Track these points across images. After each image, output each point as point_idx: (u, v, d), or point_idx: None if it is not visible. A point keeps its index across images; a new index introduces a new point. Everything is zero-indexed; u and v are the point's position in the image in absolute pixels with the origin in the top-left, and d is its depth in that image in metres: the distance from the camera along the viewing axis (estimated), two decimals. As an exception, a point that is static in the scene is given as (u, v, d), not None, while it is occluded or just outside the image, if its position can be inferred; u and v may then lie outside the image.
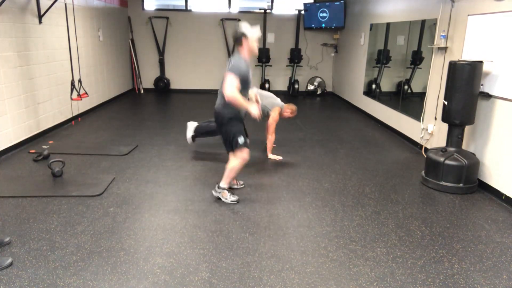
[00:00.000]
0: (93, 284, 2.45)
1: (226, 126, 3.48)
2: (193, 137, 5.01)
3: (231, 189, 3.75)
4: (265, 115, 4.86)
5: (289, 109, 4.96)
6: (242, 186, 3.99)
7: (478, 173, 4.11)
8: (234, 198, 3.65)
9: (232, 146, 3.51)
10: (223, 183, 3.64)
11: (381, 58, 7.14)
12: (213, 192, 3.70)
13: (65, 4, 5.91)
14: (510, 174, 3.73)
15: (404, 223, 3.35)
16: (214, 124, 3.75)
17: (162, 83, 9.90)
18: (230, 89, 3.24)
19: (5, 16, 4.68)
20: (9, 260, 2.63)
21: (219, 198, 3.65)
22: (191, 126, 5.03)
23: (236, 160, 3.53)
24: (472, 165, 3.96)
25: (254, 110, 3.33)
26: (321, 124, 7.04)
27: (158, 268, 2.63)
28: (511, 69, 3.72)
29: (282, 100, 5.07)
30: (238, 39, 3.38)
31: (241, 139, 3.46)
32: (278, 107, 4.89)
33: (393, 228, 3.26)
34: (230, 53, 9.81)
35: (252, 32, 3.38)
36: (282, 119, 4.95)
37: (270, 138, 4.86)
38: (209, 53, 9.94)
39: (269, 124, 4.85)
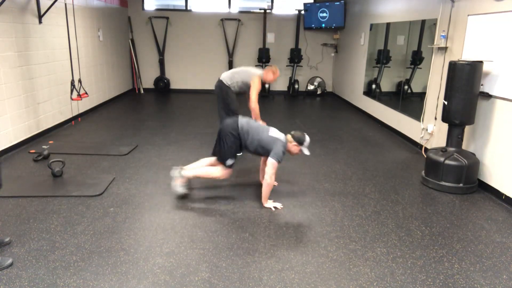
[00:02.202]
0: (93, 284, 2.45)
1: (225, 144, 3.55)
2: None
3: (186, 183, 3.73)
4: (243, 92, 4.73)
5: (269, 71, 4.66)
6: (186, 192, 3.80)
7: (478, 173, 4.11)
8: (182, 190, 3.64)
9: (221, 160, 3.61)
10: (188, 173, 3.64)
11: (381, 58, 7.14)
12: (173, 170, 3.67)
13: (65, 4, 5.91)
14: (510, 174, 3.73)
15: (404, 223, 3.35)
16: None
17: (162, 83, 9.90)
18: (272, 177, 3.50)
19: (5, 16, 4.68)
20: (10, 260, 2.63)
21: (172, 178, 3.65)
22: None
23: (216, 172, 3.63)
24: (472, 165, 3.96)
25: (270, 205, 3.59)
26: (321, 124, 7.04)
27: (158, 268, 2.63)
28: (511, 69, 3.72)
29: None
30: (297, 139, 3.58)
31: (230, 161, 3.58)
32: (256, 76, 4.63)
33: (393, 228, 3.26)
34: (230, 53, 9.82)
35: (305, 148, 3.61)
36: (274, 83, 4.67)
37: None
38: (209, 53, 9.94)
39: (251, 101, 4.55)
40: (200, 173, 3.68)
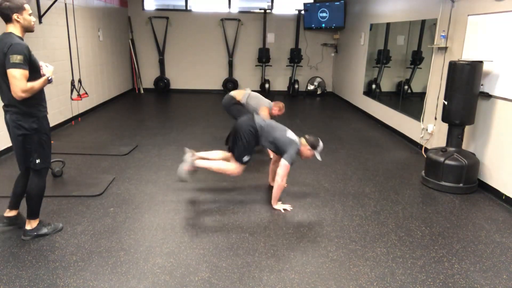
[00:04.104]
0: (93, 284, 2.45)
1: (244, 139, 3.52)
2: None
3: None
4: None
5: (276, 107, 4.97)
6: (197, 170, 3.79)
7: (478, 173, 4.11)
8: (186, 177, 3.54)
9: (236, 157, 3.57)
10: (201, 163, 3.58)
11: (381, 58, 7.15)
12: (186, 154, 3.60)
13: (65, 4, 5.92)
14: (510, 174, 3.73)
15: (404, 223, 3.35)
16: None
17: (162, 83, 9.90)
18: (284, 179, 3.50)
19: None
20: (60, 225, 3.07)
21: (182, 163, 3.57)
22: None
23: (230, 168, 3.59)
24: (472, 165, 3.96)
25: (280, 207, 3.57)
26: (321, 124, 7.04)
27: (158, 268, 2.63)
28: (511, 69, 3.72)
29: (281, 100, 5.07)
30: (310, 143, 3.58)
31: (246, 158, 3.55)
32: (265, 107, 4.94)
33: (393, 228, 3.26)
34: (230, 53, 9.82)
35: (318, 153, 3.61)
36: (276, 117, 4.92)
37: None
38: (209, 53, 9.94)
39: None
40: (212, 166, 3.61)
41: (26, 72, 2.56)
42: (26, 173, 2.93)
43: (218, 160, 3.70)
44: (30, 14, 2.71)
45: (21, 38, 2.66)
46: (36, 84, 2.63)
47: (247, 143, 3.51)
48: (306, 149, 3.58)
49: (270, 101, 5.11)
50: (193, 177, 3.73)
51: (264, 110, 4.93)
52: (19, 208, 3.06)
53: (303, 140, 3.60)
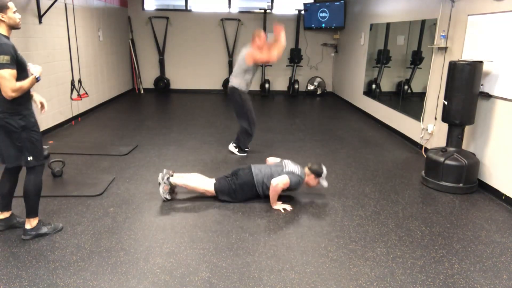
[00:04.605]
0: (93, 284, 2.45)
1: (245, 188, 3.61)
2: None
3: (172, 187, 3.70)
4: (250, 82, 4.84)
5: (255, 38, 4.72)
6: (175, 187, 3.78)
7: (478, 173, 4.11)
8: (168, 196, 3.58)
9: (233, 198, 3.63)
10: (177, 181, 3.61)
11: (381, 58, 7.15)
12: (161, 174, 3.61)
13: (65, 4, 5.92)
14: (510, 174, 3.73)
15: (404, 223, 3.35)
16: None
17: (162, 83, 9.90)
18: (279, 191, 3.52)
19: (5, 16, 4.68)
20: (60, 225, 3.06)
21: (159, 181, 3.60)
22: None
23: (210, 187, 3.63)
24: (472, 165, 3.96)
25: (280, 207, 3.56)
26: (321, 124, 7.04)
27: (158, 268, 2.63)
28: (511, 69, 3.72)
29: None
30: (314, 171, 3.62)
31: (225, 198, 3.62)
32: (247, 52, 4.69)
33: (393, 228, 3.26)
34: (230, 53, 9.82)
35: (323, 180, 3.66)
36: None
37: None
38: (209, 53, 9.94)
39: (265, 61, 4.72)
40: (192, 187, 3.64)
41: (14, 72, 2.59)
42: (11, 172, 2.92)
43: (196, 180, 3.69)
44: (14, 12, 2.72)
45: (7, 37, 2.68)
46: (25, 83, 2.68)
47: (244, 193, 3.61)
48: (311, 178, 3.64)
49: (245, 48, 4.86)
50: (175, 192, 3.73)
51: (249, 56, 4.64)
52: (11, 208, 3.05)
53: (306, 170, 3.64)
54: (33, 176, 2.86)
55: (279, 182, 3.47)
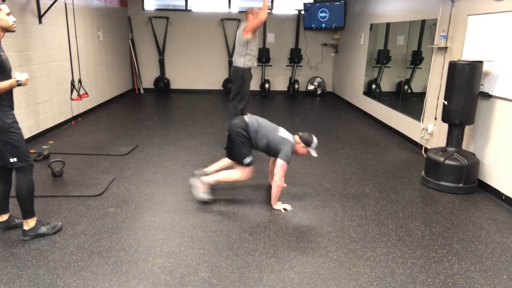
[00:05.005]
0: (93, 284, 2.45)
1: (238, 144, 3.52)
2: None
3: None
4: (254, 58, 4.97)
5: (249, 15, 4.86)
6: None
7: (478, 173, 4.11)
8: (206, 197, 3.58)
9: (239, 161, 3.55)
10: (211, 179, 3.58)
11: (381, 58, 7.14)
12: (192, 179, 3.63)
13: (65, 4, 5.92)
14: (510, 174, 3.73)
15: (404, 223, 3.35)
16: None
17: (162, 83, 9.90)
18: (282, 179, 3.49)
19: (5, 16, 4.68)
20: (59, 224, 3.04)
21: (192, 186, 3.60)
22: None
23: (237, 174, 3.57)
24: (472, 165, 3.96)
25: (280, 207, 3.54)
26: (321, 124, 7.04)
27: (158, 268, 2.63)
28: (511, 69, 3.72)
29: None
30: (304, 140, 3.56)
31: (248, 159, 3.52)
32: (243, 30, 4.82)
33: (393, 228, 3.26)
34: (230, 53, 9.82)
35: (312, 149, 3.58)
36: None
37: None
38: (209, 53, 9.94)
39: (257, 23, 4.77)
40: (221, 178, 3.60)
41: None
42: (0, 174, 2.91)
43: (225, 171, 3.67)
44: (8, 14, 2.71)
45: None
46: (2, 84, 2.63)
47: (241, 147, 3.49)
48: (300, 147, 3.56)
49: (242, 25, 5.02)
50: (213, 193, 3.71)
51: (246, 32, 4.82)
52: (8, 211, 3.04)
53: (296, 138, 3.58)
54: (22, 177, 2.83)
55: (280, 175, 3.43)
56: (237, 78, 5.01)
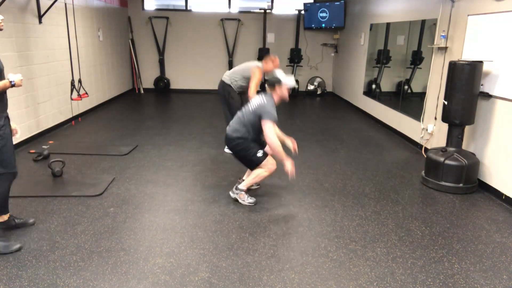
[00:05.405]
0: (93, 284, 2.45)
1: (242, 153, 3.52)
2: None
3: (249, 191, 3.74)
4: (246, 90, 4.81)
5: (269, 60, 4.76)
6: (258, 186, 3.95)
7: (478, 173, 4.11)
8: (251, 200, 3.62)
9: (256, 164, 3.53)
10: (243, 185, 3.62)
11: (381, 58, 7.14)
12: (231, 193, 3.69)
13: (65, 4, 5.92)
14: (510, 174, 3.73)
15: (404, 223, 3.35)
16: None
17: (162, 83, 9.90)
18: (274, 138, 3.37)
19: (5, 16, 4.66)
20: (18, 245, 2.77)
21: (236, 200, 3.63)
22: None
23: (265, 169, 3.54)
24: (472, 165, 3.96)
25: (289, 166, 3.37)
26: (321, 124, 7.04)
27: (158, 268, 2.63)
28: (511, 69, 3.72)
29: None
30: (273, 84, 3.51)
31: (259, 154, 3.50)
32: (255, 67, 4.71)
33: (393, 228, 3.26)
34: (230, 53, 9.82)
35: (286, 81, 3.51)
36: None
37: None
38: (209, 53, 9.94)
39: (250, 90, 4.63)
40: (253, 180, 3.59)
41: None
42: None
43: (253, 172, 3.65)
44: None
45: None
46: None
47: (245, 151, 3.50)
48: (277, 93, 3.52)
49: (259, 62, 4.86)
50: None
51: (255, 70, 4.67)
52: (8, 211, 3.02)
53: (269, 90, 3.54)
54: None
55: (270, 136, 3.34)
56: (223, 94, 5.03)
